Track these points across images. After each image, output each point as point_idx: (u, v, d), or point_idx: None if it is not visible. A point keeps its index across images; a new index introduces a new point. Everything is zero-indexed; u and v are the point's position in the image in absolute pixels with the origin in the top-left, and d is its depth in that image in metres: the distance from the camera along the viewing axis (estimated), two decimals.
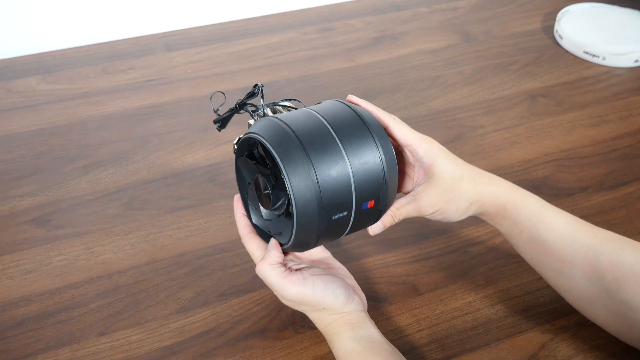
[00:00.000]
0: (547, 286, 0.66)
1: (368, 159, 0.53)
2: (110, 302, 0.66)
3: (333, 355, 0.61)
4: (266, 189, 0.54)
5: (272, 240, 0.57)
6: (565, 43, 1.07)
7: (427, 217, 0.58)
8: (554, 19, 1.13)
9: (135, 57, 1.06)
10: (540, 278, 0.67)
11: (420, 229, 0.74)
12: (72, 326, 0.64)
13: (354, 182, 0.52)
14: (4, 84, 1.00)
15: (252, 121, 0.61)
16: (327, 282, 0.56)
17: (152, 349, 0.62)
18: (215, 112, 0.63)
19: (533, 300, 0.66)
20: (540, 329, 0.63)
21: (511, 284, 0.67)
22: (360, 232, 0.72)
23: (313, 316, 0.58)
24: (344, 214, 0.53)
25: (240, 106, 0.60)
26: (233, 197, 0.78)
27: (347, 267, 0.68)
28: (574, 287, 0.57)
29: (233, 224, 0.75)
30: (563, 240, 0.57)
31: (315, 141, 0.52)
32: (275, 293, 0.57)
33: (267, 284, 0.56)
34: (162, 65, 1.04)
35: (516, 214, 0.58)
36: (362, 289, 0.61)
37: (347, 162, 0.52)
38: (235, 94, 0.97)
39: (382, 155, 0.54)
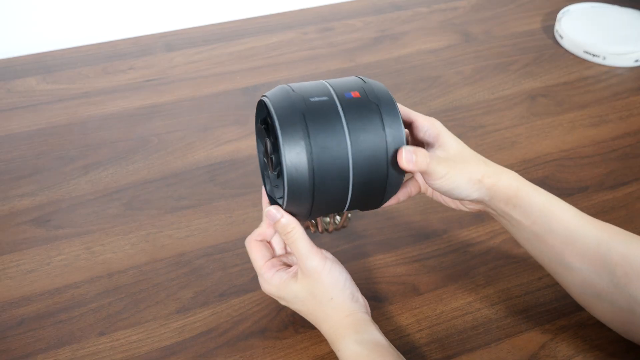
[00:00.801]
0: (547, 286, 0.67)
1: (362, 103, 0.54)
2: (110, 302, 0.66)
3: (333, 355, 0.61)
4: (272, 152, 0.55)
5: (277, 209, 0.56)
6: (565, 43, 1.07)
7: (438, 183, 0.55)
8: (554, 19, 1.13)
9: (135, 57, 1.06)
10: (540, 278, 0.67)
11: (420, 229, 0.74)
12: (72, 326, 0.64)
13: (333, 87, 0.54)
14: (4, 84, 1.00)
15: None
16: (341, 271, 0.58)
17: (152, 349, 0.62)
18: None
19: (533, 300, 0.66)
20: (540, 329, 0.63)
21: (511, 284, 0.67)
22: (361, 232, 0.73)
23: (321, 310, 0.58)
24: (324, 98, 0.53)
25: None
26: (233, 197, 0.79)
27: (347, 267, 0.68)
28: (582, 282, 0.56)
29: (233, 223, 0.75)
30: (574, 233, 0.56)
31: (309, 92, 0.54)
32: (279, 285, 0.58)
33: (294, 250, 0.56)
34: (162, 65, 1.04)
35: (528, 202, 0.57)
36: (362, 289, 0.61)
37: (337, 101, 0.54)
38: (235, 94, 0.97)
39: (380, 105, 0.54)
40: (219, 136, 0.89)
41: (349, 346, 0.55)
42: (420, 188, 0.63)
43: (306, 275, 0.57)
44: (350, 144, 0.52)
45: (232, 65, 1.04)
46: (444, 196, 0.62)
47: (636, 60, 1.01)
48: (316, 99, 0.53)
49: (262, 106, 0.58)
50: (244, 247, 0.72)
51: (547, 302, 0.65)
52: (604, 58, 1.02)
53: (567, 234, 0.56)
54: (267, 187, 0.61)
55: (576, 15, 1.11)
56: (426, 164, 0.54)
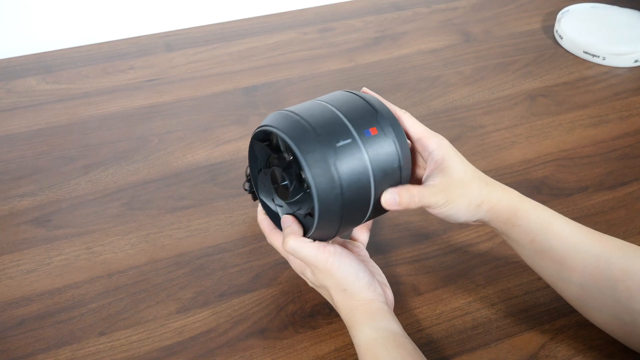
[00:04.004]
0: (547, 286, 0.66)
1: (384, 147, 0.55)
2: (110, 302, 0.67)
3: (333, 355, 0.61)
4: (283, 180, 0.55)
5: (288, 217, 0.58)
6: (565, 43, 1.07)
7: (437, 211, 0.56)
8: (554, 19, 1.13)
9: (135, 57, 1.06)
10: (540, 278, 0.67)
11: (420, 229, 0.74)
12: (72, 326, 0.64)
13: (370, 159, 0.54)
14: (4, 84, 1.00)
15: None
16: (352, 262, 0.58)
17: (152, 349, 0.62)
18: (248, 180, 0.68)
19: (533, 300, 0.66)
20: (540, 329, 0.63)
21: (511, 284, 0.67)
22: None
23: (336, 298, 0.58)
24: (348, 141, 0.54)
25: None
26: (233, 197, 0.79)
27: None
28: (584, 296, 0.56)
29: (233, 223, 0.75)
30: (574, 249, 0.56)
31: (333, 133, 0.54)
32: (301, 268, 0.60)
33: (299, 258, 0.57)
34: (162, 65, 1.04)
35: (527, 221, 0.57)
36: None
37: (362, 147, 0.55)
38: (235, 94, 0.97)
39: (396, 140, 0.56)
40: (219, 136, 0.89)
41: (364, 332, 0.55)
42: None
43: (315, 273, 0.58)
44: (373, 180, 0.55)
45: (232, 65, 1.04)
46: None
47: (636, 61, 1.02)
48: (342, 143, 0.54)
49: (265, 136, 0.58)
50: (243, 247, 0.72)
51: (547, 302, 0.65)
52: (604, 58, 1.02)
53: (566, 249, 0.56)
54: (265, 202, 0.62)
55: (576, 15, 1.11)
56: (412, 202, 0.55)
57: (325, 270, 0.57)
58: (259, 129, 0.57)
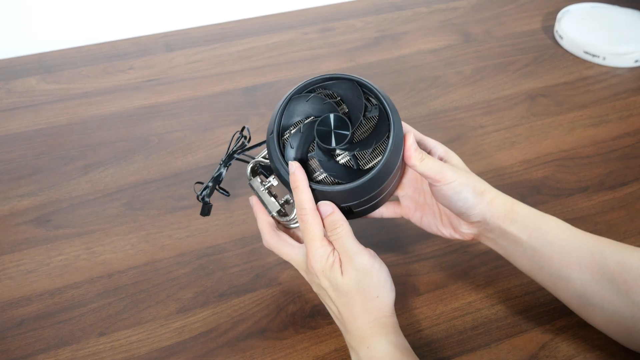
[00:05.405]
0: None
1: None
2: (110, 302, 0.67)
3: (333, 355, 0.61)
4: (342, 127, 0.55)
5: (330, 203, 0.56)
6: (565, 43, 1.07)
7: (445, 187, 0.57)
8: (554, 19, 1.13)
9: (135, 57, 1.06)
10: None
11: (420, 229, 0.74)
12: (72, 326, 0.64)
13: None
14: (4, 84, 1.00)
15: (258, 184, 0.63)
16: (388, 272, 0.58)
17: (152, 349, 0.62)
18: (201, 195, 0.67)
19: (533, 300, 0.66)
20: (540, 329, 0.63)
21: (511, 284, 0.67)
22: (360, 232, 0.73)
23: (362, 305, 0.56)
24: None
25: (229, 159, 0.62)
26: (233, 197, 0.79)
27: None
28: (583, 292, 0.56)
29: (233, 224, 0.75)
30: (569, 244, 0.57)
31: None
32: (324, 259, 0.56)
33: (338, 246, 0.56)
34: (162, 65, 1.04)
35: (524, 217, 0.58)
36: None
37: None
38: (235, 94, 0.97)
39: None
40: (219, 136, 0.89)
41: (383, 345, 0.54)
42: (401, 213, 0.66)
43: (356, 269, 0.56)
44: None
45: (232, 65, 1.04)
46: (438, 225, 0.64)
47: (636, 61, 1.01)
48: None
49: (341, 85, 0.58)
50: (244, 247, 0.72)
51: (547, 302, 0.65)
52: (604, 58, 1.02)
53: (562, 244, 0.57)
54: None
55: (576, 15, 1.11)
56: (421, 158, 0.57)
57: (364, 269, 0.56)
58: (309, 83, 0.58)
